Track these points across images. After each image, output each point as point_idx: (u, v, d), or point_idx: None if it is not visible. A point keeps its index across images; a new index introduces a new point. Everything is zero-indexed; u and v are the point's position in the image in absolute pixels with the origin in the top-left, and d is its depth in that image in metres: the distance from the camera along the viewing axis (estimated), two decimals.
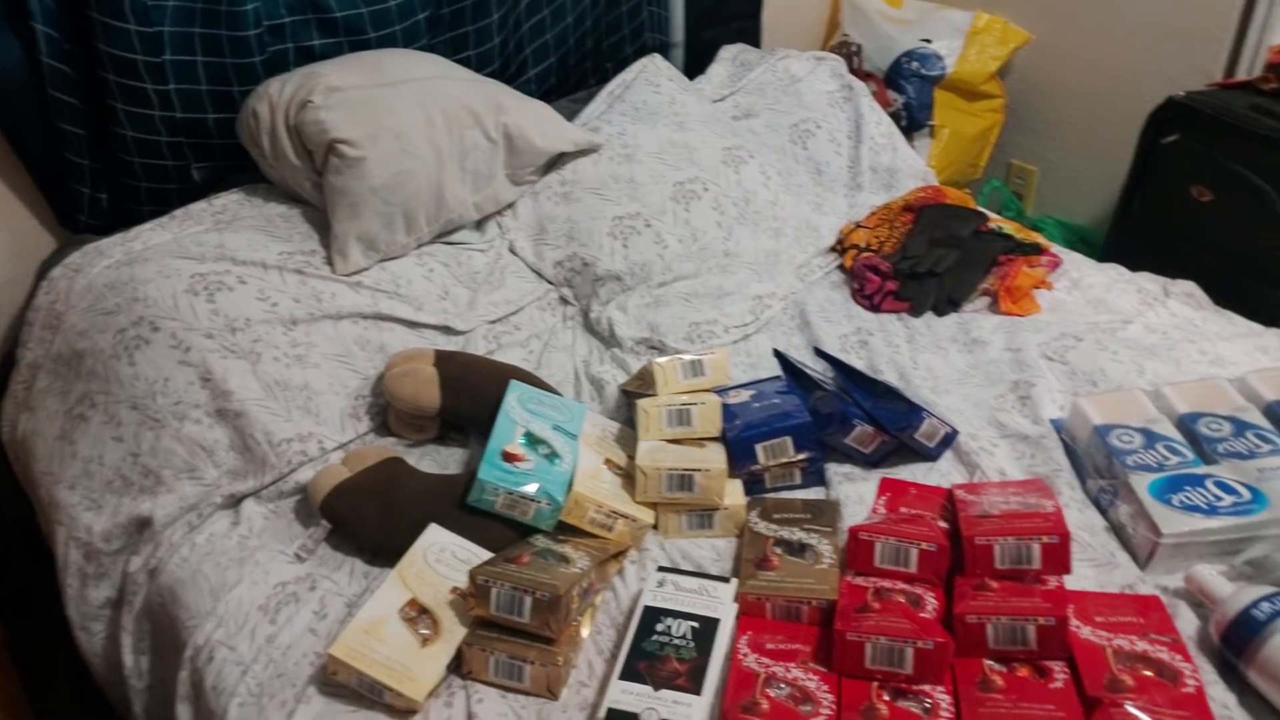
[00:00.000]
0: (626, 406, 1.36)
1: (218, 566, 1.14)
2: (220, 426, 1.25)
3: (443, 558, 1.07)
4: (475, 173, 1.51)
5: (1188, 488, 1.05)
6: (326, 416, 1.29)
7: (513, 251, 1.58)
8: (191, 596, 1.12)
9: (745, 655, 0.95)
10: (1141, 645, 0.92)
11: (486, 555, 1.08)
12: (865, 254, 1.63)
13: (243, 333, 1.28)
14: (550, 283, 1.57)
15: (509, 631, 0.98)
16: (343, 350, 1.33)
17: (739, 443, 1.19)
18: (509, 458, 1.13)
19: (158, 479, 1.23)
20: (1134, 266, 1.60)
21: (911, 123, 2.18)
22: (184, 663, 1.07)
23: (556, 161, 1.63)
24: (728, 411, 1.24)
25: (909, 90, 2.17)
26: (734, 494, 1.17)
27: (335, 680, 0.98)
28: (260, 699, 0.99)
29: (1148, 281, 1.54)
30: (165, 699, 1.12)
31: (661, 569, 1.07)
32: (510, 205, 1.60)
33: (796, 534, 1.09)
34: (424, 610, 1.02)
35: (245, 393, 1.25)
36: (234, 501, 1.24)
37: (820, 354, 1.38)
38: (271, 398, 1.27)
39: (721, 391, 1.29)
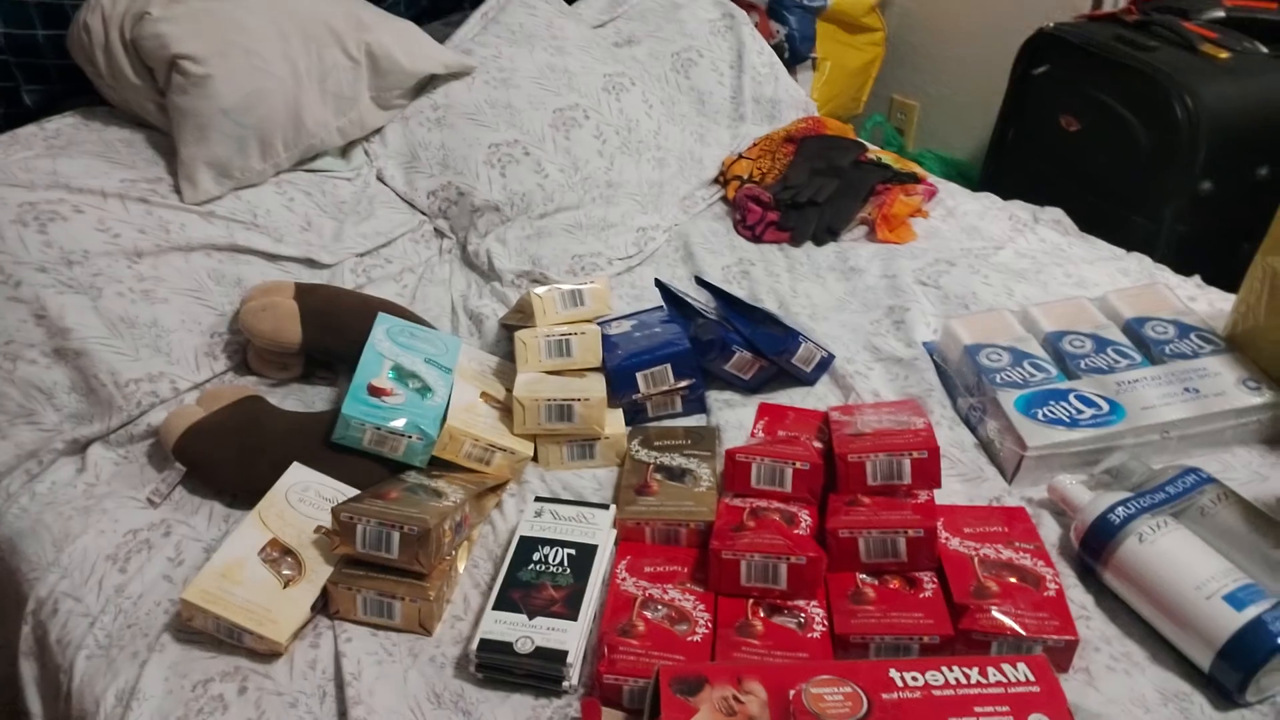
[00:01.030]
0: (506, 341, 1.32)
1: (60, 516, 1.06)
2: (59, 367, 1.15)
3: (306, 497, 1.02)
4: (337, 95, 1.42)
5: (1051, 402, 1.08)
6: (179, 355, 1.21)
7: (381, 180, 1.50)
8: (32, 548, 1.04)
9: (623, 579, 0.94)
10: (1007, 553, 0.94)
11: (354, 494, 1.03)
12: (748, 185, 1.61)
13: (81, 266, 1.18)
14: (424, 214, 1.50)
15: (378, 569, 0.94)
16: (195, 284, 1.25)
17: (619, 372, 1.17)
18: (375, 392, 1.08)
19: None
20: (1007, 196, 1.63)
21: (794, 55, 2.16)
22: (26, 617, 1.00)
23: (427, 85, 1.55)
24: (608, 341, 1.21)
25: (791, 21, 2.15)
26: (615, 423, 1.15)
27: (191, 627, 0.92)
28: (109, 650, 0.93)
29: (1018, 209, 1.58)
30: (9, 657, 1.05)
31: (539, 499, 1.04)
32: (378, 131, 1.52)
33: (676, 460, 1.08)
34: (287, 551, 0.97)
35: (85, 330, 1.16)
36: (79, 447, 1.15)
37: (701, 283, 1.37)
38: (116, 336, 1.17)
39: (602, 322, 1.26)
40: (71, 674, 0.92)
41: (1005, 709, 0.76)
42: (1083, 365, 1.14)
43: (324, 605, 0.95)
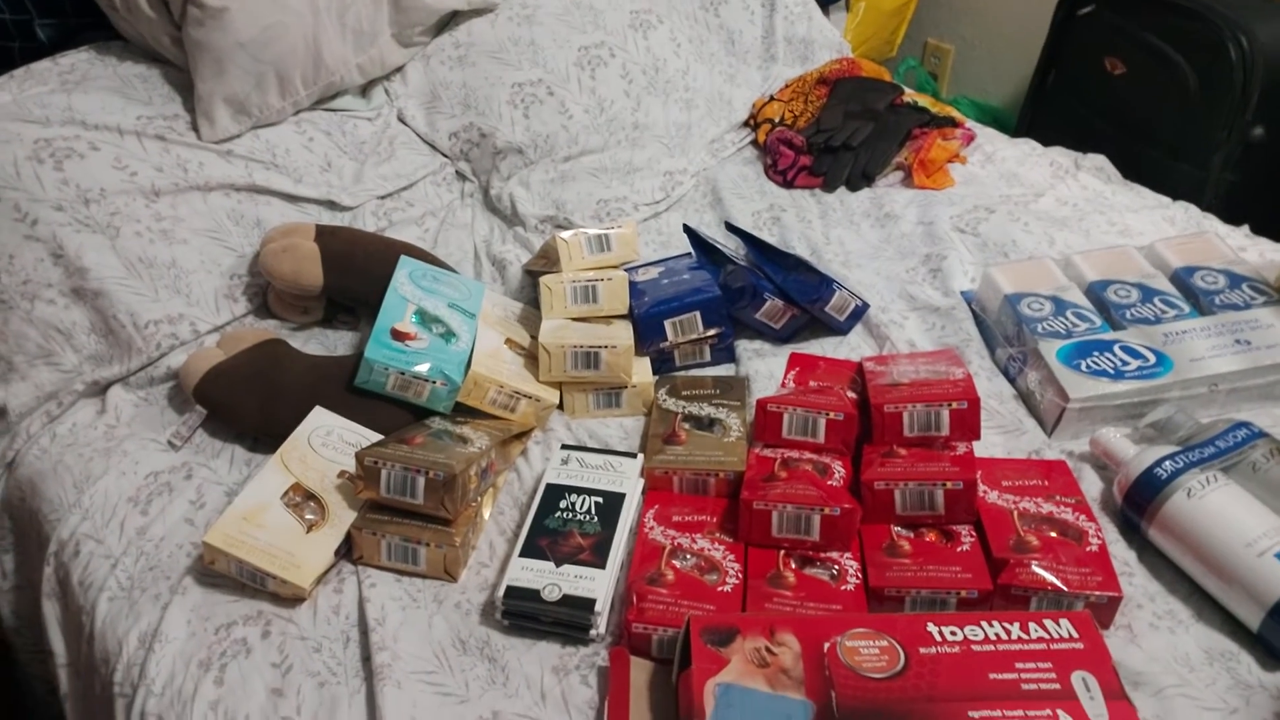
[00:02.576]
0: (530, 287, 1.29)
1: (81, 458, 1.05)
2: (78, 307, 1.13)
3: (329, 441, 1.00)
4: (357, 30, 1.37)
5: (1095, 353, 1.05)
6: (198, 297, 1.18)
7: (402, 121, 1.46)
8: (53, 489, 1.03)
9: (651, 529, 0.92)
10: (1047, 507, 0.91)
11: (377, 439, 1.02)
12: (779, 128, 1.56)
13: (98, 204, 1.16)
14: (446, 156, 1.47)
15: (402, 514, 0.92)
16: (214, 225, 1.22)
17: (647, 319, 1.14)
18: (399, 336, 1.06)
19: (9, 365, 1.12)
20: (1046, 143, 1.58)
21: None
22: (48, 559, 0.99)
23: (449, 22, 1.50)
24: (635, 289, 1.18)
25: None
26: (642, 372, 1.12)
27: (214, 570, 0.91)
28: (131, 592, 0.92)
29: (1059, 155, 1.52)
30: (32, 598, 1.05)
31: (566, 447, 1.02)
32: (399, 69, 1.48)
33: (705, 409, 1.06)
34: (310, 495, 0.95)
35: (104, 270, 1.14)
36: (99, 389, 1.14)
37: (731, 228, 1.33)
38: (135, 276, 1.15)
39: (629, 269, 1.23)
40: (94, 616, 0.91)
41: (1048, 665, 0.73)
42: (1128, 315, 1.10)
43: (347, 550, 0.93)
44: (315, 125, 1.37)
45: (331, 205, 1.32)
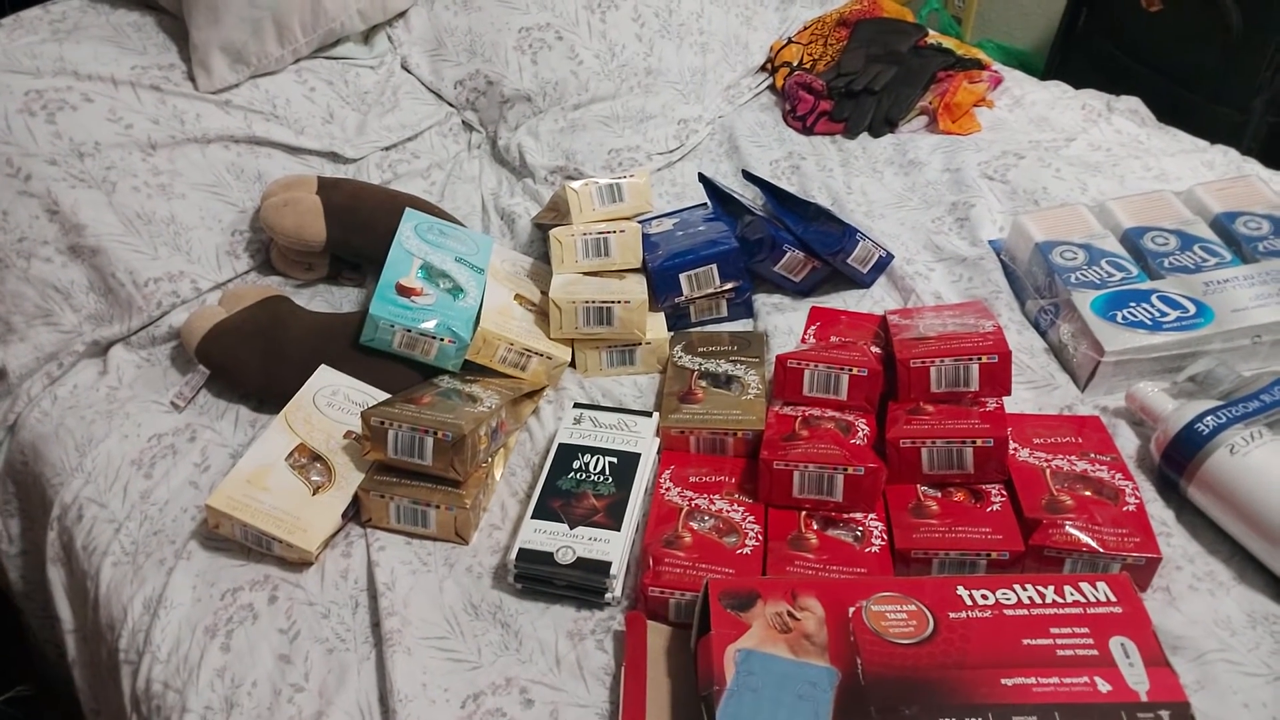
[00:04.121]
0: (540, 241, 1.25)
1: (83, 420, 1.03)
2: (75, 265, 1.10)
3: (334, 401, 0.97)
4: None
5: (1132, 304, 1.00)
6: (199, 254, 1.15)
7: (406, 69, 1.41)
8: (55, 453, 1.01)
9: (667, 489, 0.89)
10: (1081, 465, 0.87)
11: (384, 398, 0.98)
12: (798, 72, 1.50)
13: (92, 158, 1.12)
14: (451, 105, 1.42)
15: (411, 475, 0.89)
16: (213, 179, 1.18)
17: (662, 273, 1.10)
18: (404, 291, 1.02)
19: (8, 326, 1.10)
20: (1076, 86, 1.51)
21: None
22: (52, 523, 0.97)
23: None
24: (649, 242, 1.14)
25: None
26: (656, 328, 1.08)
27: (219, 534, 0.89)
28: (135, 557, 0.90)
29: (1091, 98, 1.45)
30: (39, 563, 1.03)
31: (578, 405, 0.98)
32: (401, 15, 1.42)
33: (722, 366, 1.02)
34: (315, 457, 0.92)
35: (101, 227, 1.10)
36: (100, 349, 1.11)
37: (749, 177, 1.28)
38: (133, 233, 1.12)
39: (643, 221, 1.18)
40: (98, 581, 0.89)
41: (1084, 631, 0.70)
42: (1166, 264, 1.05)
43: (355, 513, 0.91)
44: (316, 74, 1.32)
45: (334, 157, 1.28)
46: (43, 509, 1.01)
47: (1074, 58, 1.86)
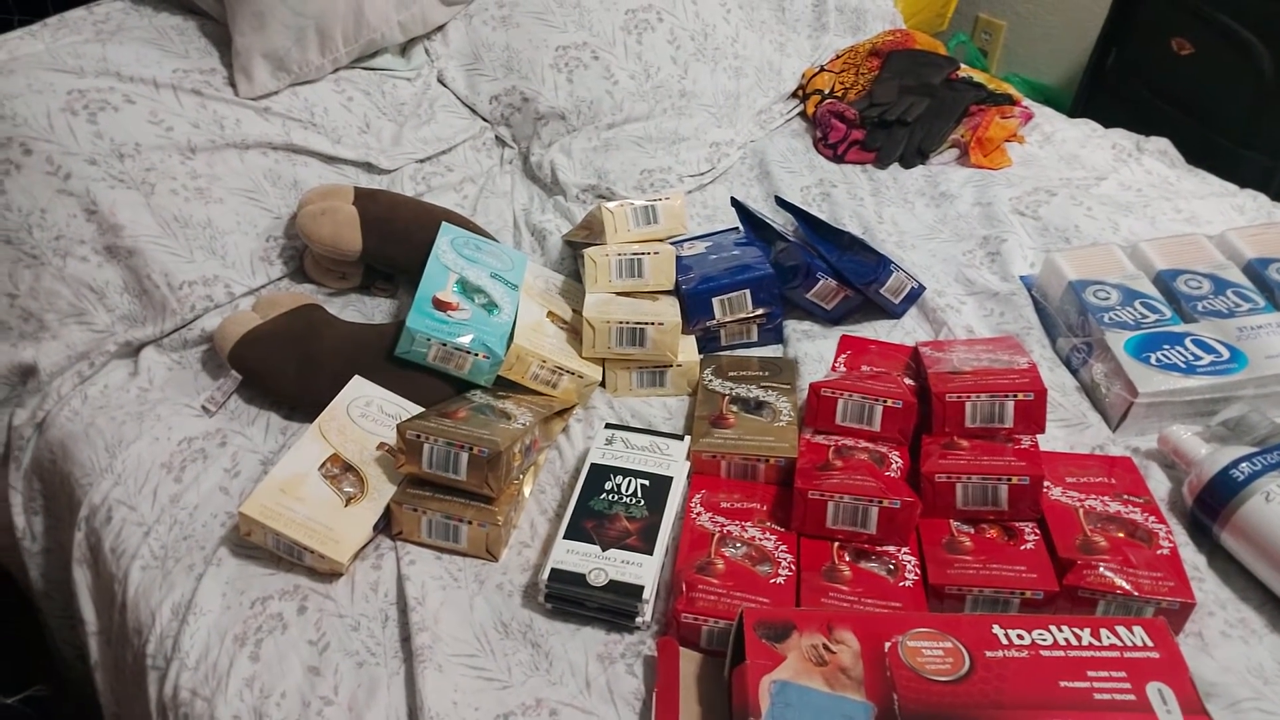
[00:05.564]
0: (571, 259, 1.25)
1: (113, 421, 1.03)
2: (111, 266, 1.11)
3: (368, 412, 0.97)
4: None
5: (1165, 346, 1.00)
6: (234, 258, 1.15)
7: (442, 82, 1.42)
8: (85, 453, 1.01)
9: (699, 514, 0.89)
10: (1114, 506, 0.87)
11: (417, 411, 0.98)
12: (830, 100, 1.51)
13: (132, 160, 1.12)
14: (486, 120, 1.42)
15: (444, 490, 0.89)
16: (251, 184, 1.19)
17: (695, 296, 1.10)
18: (441, 305, 1.02)
19: (40, 323, 1.10)
20: (1105, 123, 1.51)
21: None
22: (79, 523, 0.97)
23: None
24: (681, 264, 1.14)
25: None
26: (688, 351, 1.09)
27: (250, 542, 0.89)
28: (165, 562, 0.89)
29: (1121, 138, 1.46)
30: (62, 562, 1.02)
31: (610, 426, 0.99)
32: (440, 28, 1.43)
33: (753, 391, 1.02)
34: (348, 467, 0.92)
35: (138, 228, 1.11)
36: (132, 350, 1.11)
37: (782, 203, 1.28)
38: (170, 235, 1.12)
39: (675, 243, 1.19)
40: (126, 584, 0.89)
41: (1122, 675, 0.70)
42: (1200, 307, 1.05)
43: (386, 525, 0.91)
44: (354, 84, 1.33)
45: (369, 168, 1.29)
46: (69, 508, 1.01)
47: (1101, 96, 1.87)
